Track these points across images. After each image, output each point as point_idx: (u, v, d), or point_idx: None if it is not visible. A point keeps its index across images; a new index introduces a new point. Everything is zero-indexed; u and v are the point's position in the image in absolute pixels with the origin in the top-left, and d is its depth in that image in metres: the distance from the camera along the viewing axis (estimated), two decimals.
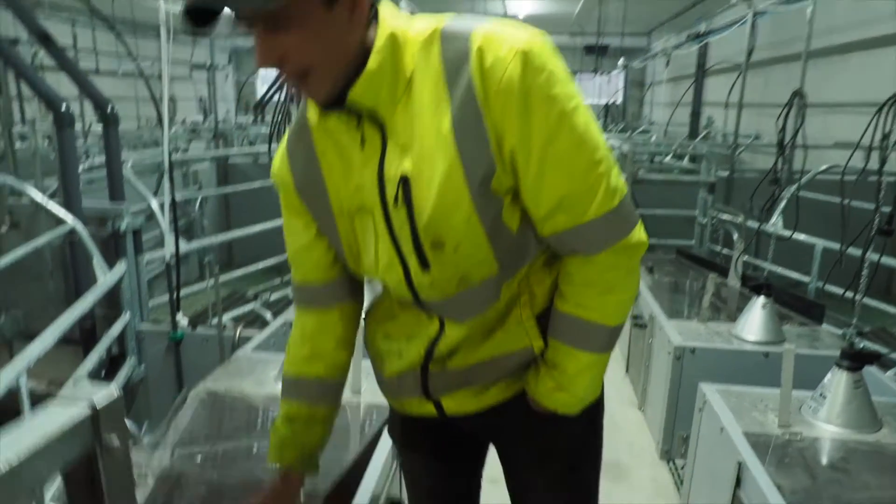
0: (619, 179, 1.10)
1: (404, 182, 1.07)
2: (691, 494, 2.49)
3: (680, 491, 2.79)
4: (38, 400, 2.44)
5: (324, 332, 1.33)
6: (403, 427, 1.48)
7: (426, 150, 1.05)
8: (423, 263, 1.12)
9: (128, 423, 2.65)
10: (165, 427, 2.24)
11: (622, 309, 1.21)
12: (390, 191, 1.09)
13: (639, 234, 1.14)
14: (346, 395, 1.49)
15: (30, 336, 3.11)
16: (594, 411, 1.34)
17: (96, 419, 0.72)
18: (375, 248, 1.16)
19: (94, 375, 2.90)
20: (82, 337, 3.00)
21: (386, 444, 2.03)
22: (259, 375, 2.51)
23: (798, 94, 4.36)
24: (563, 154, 1.05)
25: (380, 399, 2.00)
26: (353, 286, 1.33)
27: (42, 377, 2.95)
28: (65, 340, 3.07)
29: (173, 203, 2.87)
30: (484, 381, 1.26)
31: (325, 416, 1.37)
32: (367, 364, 2.49)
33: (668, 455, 2.99)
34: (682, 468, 2.88)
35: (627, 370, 3.89)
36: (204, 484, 1.94)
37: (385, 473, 1.98)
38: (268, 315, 3.66)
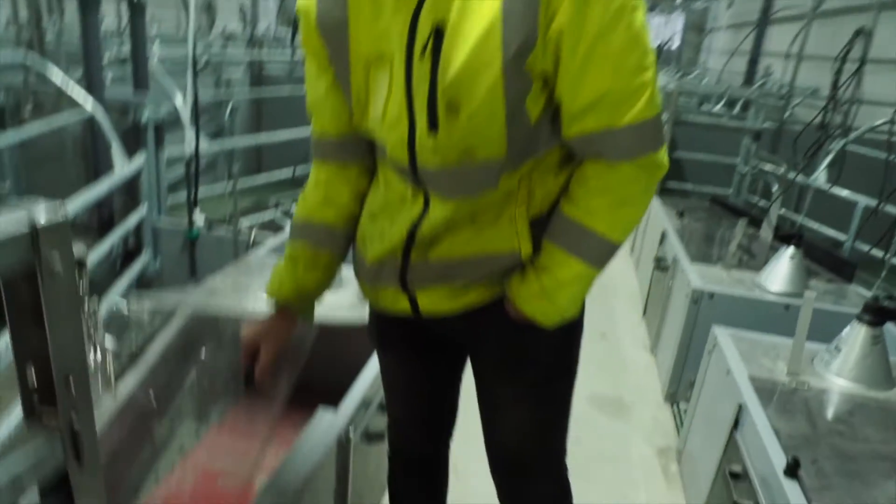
0: (659, 95, 1.06)
1: (437, 33, 1.02)
2: (689, 435, 2.45)
3: (679, 432, 2.75)
4: None
5: (340, 183, 1.30)
6: (380, 327, 1.46)
7: (470, 4, 1.00)
8: (433, 125, 1.08)
9: (138, 313, 2.69)
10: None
11: (629, 226, 1.18)
12: (419, 41, 1.04)
13: (664, 155, 1.11)
14: None
15: None
16: (572, 328, 1.30)
17: (35, 236, 0.68)
18: (386, 101, 1.11)
19: (108, 265, 2.94)
20: (100, 227, 3.03)
21: None
22: (267, 277, 2.51)
23: (860, 32, 4.04)
24: (615, 49, 1.00)
25: None
26: (371, 143, 1.29)
27: None
28: (84, 230, 3.13)
29: (195, 97, 2.82)
30: (464, 279, 1.21)
31: (328, 263, 1.34)
32: None
33: (672, 398, 2.94)
34: (685, 412, 2.83)
35: (645, 313, 3.81)
36: None
37: (378, 379, 1.97)
38: (286, 224, 3.65)
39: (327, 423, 1.71)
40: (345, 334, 2.32)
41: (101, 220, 3.07)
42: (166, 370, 2.14)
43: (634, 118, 1.04)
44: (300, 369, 1.51)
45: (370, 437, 1.87)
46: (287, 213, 4.03)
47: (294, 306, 1.34)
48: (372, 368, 1.95)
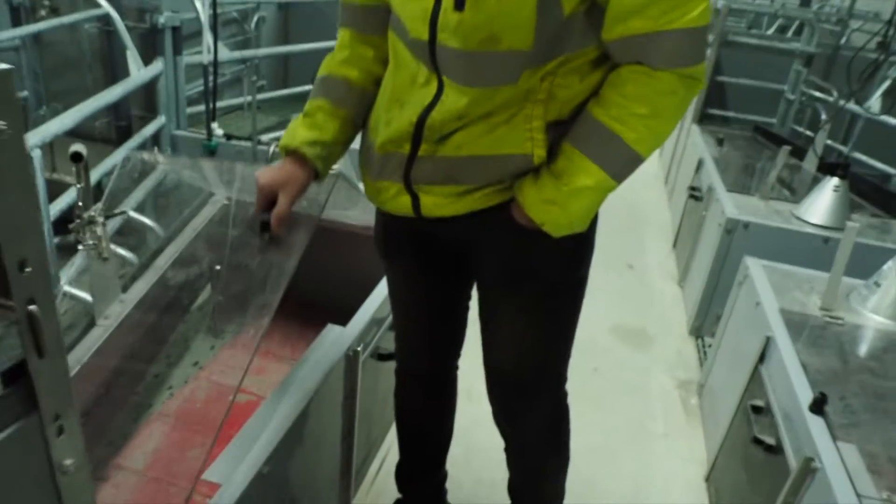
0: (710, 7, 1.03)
1: None
2: (712, 369, 2.38)
3: (702, 366, 2.67)
4: (57, 188, 2.45)
5: (364, 46, 1.27)
6: (386, 234, 1.41)
7: None
8: (459, 1, 1.01)
9: (153, 224, 2.66)
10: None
11: (657, 141, 1.12)
12: None
13: (703, 71, 1.07)
14: None
15: (69, 131, 3.12)
16: (580, 243, 1.24)
17: None
18: None
19: (126, 174, 2.90)
20: (118, 137, 2.98)
21: None
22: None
23: None
24: None
25: None
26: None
27: (65, 170, 2.97)
28: (103, 140, 3.08)
29: (213, 1, 2.70)
30: (470, 180, 1.15)
31: (346, 118, 1.28)
32: None
33: (697, 331, 2.85)
34: (710, 346, 2.75)
35: (675, 245, 3.68)
36: None
37: None
38: None
39: (335, 338, 1.67)
40: (357, 250, 2.26)
41: (119, 130, 3.02)
42: (182, 276, 2.12)
43: (684, 24, 0.99)
44: (315, 226, 1.44)
45: (381, 356, 1.83)
46: None
47: (308, 154, 1.25)
48: (384, 287, 1.89)
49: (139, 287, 1.79)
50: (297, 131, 1.26)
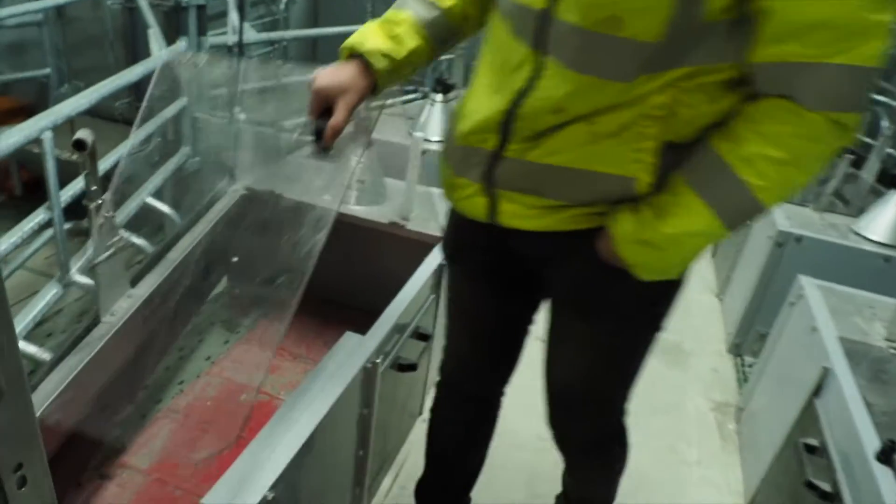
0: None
1: None
2: (755, 393, 2.22)
3: (741, 388, 2.51)
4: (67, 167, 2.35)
5: None
6: (455, 235, 1.31)
7: None
8: None
9: (170, 211, 2.56)
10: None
11: (786, 192, 0.95)
12: None
13: (858, 121, 0.89)
14: None
15: (90, 112, 3.03)
16: (666, 290, 1.11)
17: None
18: None
19: (146, 156, 2.80)
20: (142, 120, 2.87)
21: (424, 272, 1.84)
22: (305, 184, 2.33)
23: None
24: None
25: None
26: None
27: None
28: (124, 121, 2.98)
29: None
30: (557, 196, 1.02)
31: (426, 39, 1.15)
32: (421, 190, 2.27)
33: (737, 349, 2.69)
34: (750, 366, 2.59)
35: (714, 254, 3.51)
36: None
37: (418, 303, 1.80)
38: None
39: (354, 348, 1.54)
40: (381, 250, 2.14)
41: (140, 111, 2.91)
42: (197, 268, 2.01)
43: (855, 59, 0.83)
44: (367, 147, 1.33)
45: (401, 366, 1.71)
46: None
47: (376, 66, 1.11)
48: (409, 292, 1.76)
49: (150, 281, 1.68)
50: (370, 37, 1.12)
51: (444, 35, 1.17)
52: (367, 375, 1.53)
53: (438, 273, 1.96)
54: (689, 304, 3.05)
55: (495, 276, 1.28)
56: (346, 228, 2.28)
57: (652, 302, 1.13)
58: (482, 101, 1.05)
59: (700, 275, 3.31)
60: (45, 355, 1.52)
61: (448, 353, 1.50)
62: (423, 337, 1.86)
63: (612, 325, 1.15)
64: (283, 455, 1.20)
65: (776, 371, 2.07)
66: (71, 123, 3.05)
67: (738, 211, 0.94)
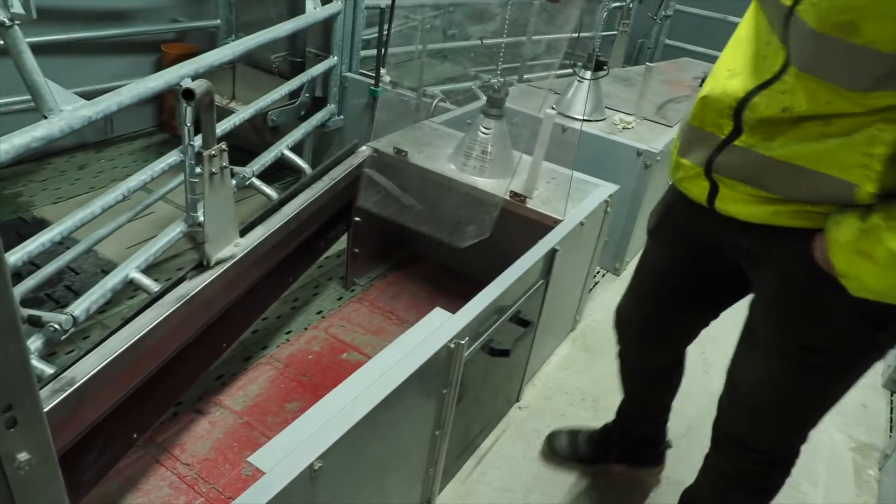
0: None
1: None
2: None
3: (891, 430, 2.17)
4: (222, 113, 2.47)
5: None
6: (665, 214, 1.33)
7: None
8: None
9: (305, 165, 2.63)
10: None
11: None
12: None
13: None
14: None
15: (252, 63, 3.19)
16: (880, 314, 0.99)
17: None
18: None
19: (292, 111, 2.90)
20: (291, 72, 2.98)
21: (533, 256, 1.75)
22: (433, 149, 2.30)
23: None
24: None
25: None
26: None
27: (244, 99, 3.03)
28: (279, 74, 3.11)
29: None
30: (776, 189, 0.99)
31: None
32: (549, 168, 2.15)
33: (894, 385, 2.33)
34: None
35: None
36: None
37: (522, 287, 1.73)
38: (481, 95, 3.36)
39: (439, 325, 1.49)
40: (507, 226, 2.05)
41: (293, 66, 3.02)
42: (311, 226, 2.05)
43: None
44: None
45: (493, 350, 1.63)
46: (484, 85, 3.73)
47: None
48: (512, 274, 1.68)
49: (259, 232, 1.72)
50: None
51: None
52: (450, 355, 1.47)
53: (550, 258, 1.85)
54: None
55: (695, 265, 1.29)
56: (467, 199, 2.22)
57: (875, 325, 1.02)
58: (726, 81, 1.05)
59: None
60: (155, 288, 1.61)
61: (624, 297, 1.53)
62: (524, 323, 1.77)
63: (817, 340, 1.07)
64: (340, 426, 1.17)
65: None
66: (233, 72, 3.24)
67: None
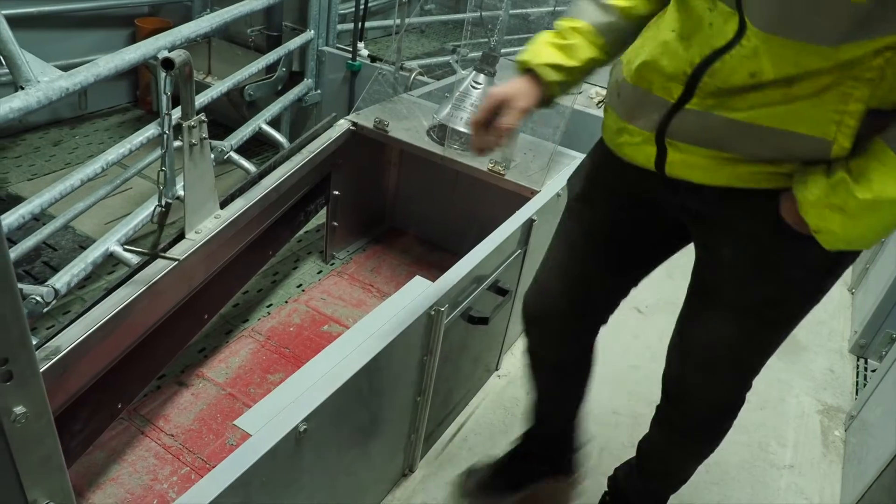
0: None
1: None
2: (871, 400, 1.98)
3: (857, 393, 2.26)
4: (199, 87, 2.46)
5: None
6: (593, 175, 1.26)
7: None
8: None
9: (283, 139, 2.62)
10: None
11: None
12: None
13: None
14: None
15: (228, 37, 3.16)
16: (841, 257, 1.02)
17: None
18: None
19: (269, 85, 2.89)
20: (268, 46, 2.96)
21: (511, 225, 1.77)
22: (412, 122, 2.31)
23: None
24: None
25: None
26: None
27: (220, 74, 3.01)
28: (255, 48, 3.09)
29: None
30: (740, 150, 0.96)
31: (601, 48, 1.13)
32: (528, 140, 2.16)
33: (861, 351, 2.41)
34: (874, 371, 2.31)
35: None
36: None
37: (500, 257, 1.74)
38: (459, 69, 3.37)
39: (420, 292, 1.52)
40: (485, 198, 2.08)
41: (269, 40, 3.00)
42: (290, 199, 2.06)
43: None
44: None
45: (472, 318, 1.66)
46: (462, 59, 3.73)
47: (547, 78, 1.12)
48: (490, 244, 1.70)
49: (239, 204, 1.73)
50: (543, 50, 1.13)
51: (621, 39, 1.13)
52: (430, 322, 1.50)
53: (528, 228, 1.88)
54: None
55: (625, 227, 1.24)
56: (447, 172, 2.24)
57: (822, 273, 1.05)
58: (675, 41, 1.00)
59: None
60: (135, 261, 1.62)
61: (535, 288, 1.43)
62: (502, 291, 1.80)
63: (770, 296, 1.08)
64: (324, 389, 1.20)
65: None
66: (209, 47, 3.21)
67: None
